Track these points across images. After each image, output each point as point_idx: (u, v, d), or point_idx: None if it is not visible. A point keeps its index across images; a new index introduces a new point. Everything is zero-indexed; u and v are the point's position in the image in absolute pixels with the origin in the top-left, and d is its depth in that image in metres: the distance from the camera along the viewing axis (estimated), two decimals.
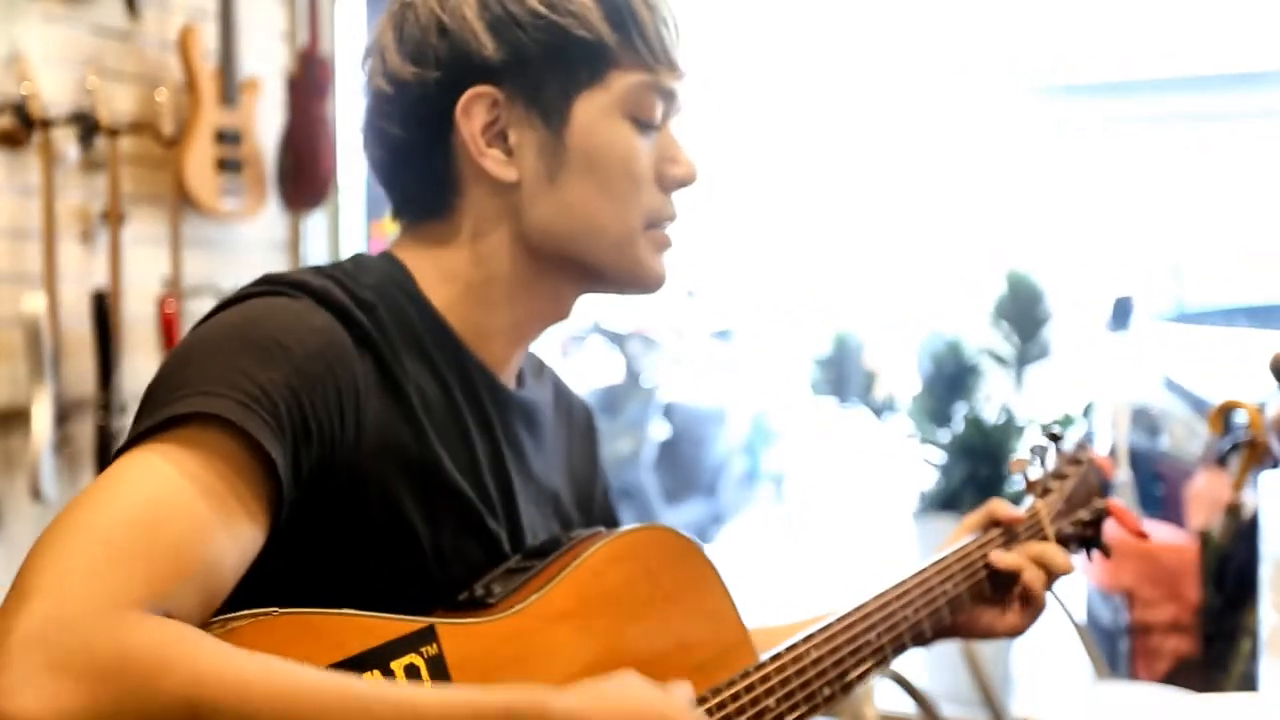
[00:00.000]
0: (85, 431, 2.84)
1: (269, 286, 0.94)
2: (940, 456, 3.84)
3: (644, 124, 1.04)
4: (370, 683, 0.79)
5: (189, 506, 0.78)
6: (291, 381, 0.86)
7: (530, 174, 1.02)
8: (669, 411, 5.99)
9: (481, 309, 1.04)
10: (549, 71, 1.00)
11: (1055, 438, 1.42)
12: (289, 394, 0.85)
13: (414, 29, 1.01)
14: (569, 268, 1.05)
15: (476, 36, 0.99)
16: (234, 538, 0.81)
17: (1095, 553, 1.39)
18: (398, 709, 0.76)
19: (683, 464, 6.07)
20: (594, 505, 1.23)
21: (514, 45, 0.99)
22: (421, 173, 1.03)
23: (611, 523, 1.25)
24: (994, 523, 1.29)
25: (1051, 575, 1.26)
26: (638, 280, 1.07)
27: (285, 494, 0.84)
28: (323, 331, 0.90)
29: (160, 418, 0.81)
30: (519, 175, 1.01)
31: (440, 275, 1.03)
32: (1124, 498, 3.69)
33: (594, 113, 1.01)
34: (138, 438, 0.81)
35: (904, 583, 1.20)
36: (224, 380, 0.83)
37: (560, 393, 1.21)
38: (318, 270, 0.98)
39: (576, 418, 1.23)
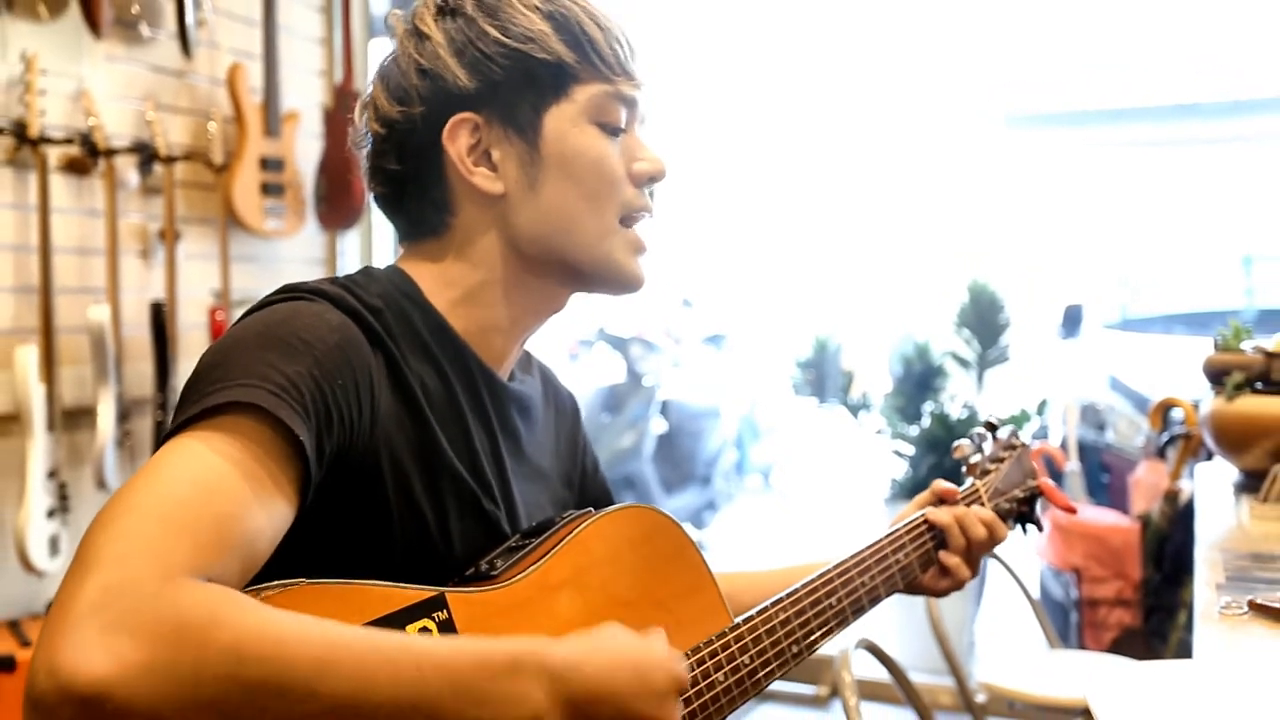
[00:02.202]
0: (144, 427, 2.85)
1: (290, 293, 0.95)
2: (909, 449, 3.85)
3: (609, 128, 1.05)
4: (393, 635, 0.80)
5: (230, 487, 0.78)
6: (314, 373, 0.86)
7: (514, 185, 1.03)
8: (667, 409, 5.99)
9: (481, 309, 1.04)
10: (518, 92, 1.01)
11: (992, 426, 1.44)
12: (313, 384, 0.85)
13: (397, 75, 1.03)
14: (554, 267, 1.06)
15: (451, 71, 1.00)
16: (269, 514, 0.81)
17: (1030, 527, 1.41)
18: (416, 658, 0.76)
19: (679, 456, 6.07)
20: (583, 479, 1.24)
21: (485, 74, 1.00)
22: (420, 198, 1.05)
23: (601, 492, 1.26)
24: (939, 500, 1.31)
25: (972, 541, 1.28)
26: (614, 278, 1.07)
27: (312, 475, 0.85)
28: (340, 329, 0.91)
29: (201, 407, 0.81)
30: (504, 187, 1.02)
31: (442, 282, 1.04)
32: (1073, 485, 3.69)
33: (563, 123, 1.02)
34: (180, 426, 0.81)
35: (860, 553, 1.21)
36: (256, 373, 0.83)
37: (548, 383, 1.22)
38: (332, 280, 0.99)
39: (564, 405, 1.24)
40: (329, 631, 0.75)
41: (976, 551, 1.30)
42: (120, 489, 0.77)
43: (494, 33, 1.00)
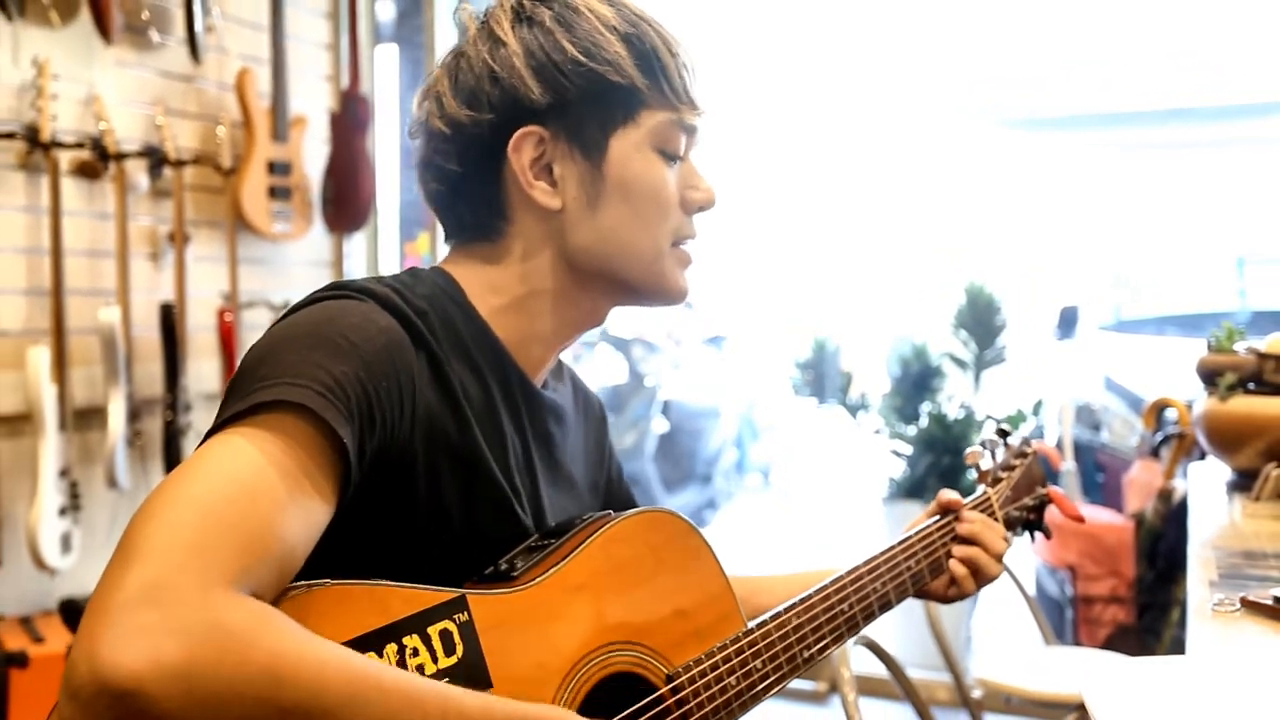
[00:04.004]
0: (154, 427, 2.85)
1: (338, 291, 0.93)
2: (907, 449, 3.85)
3: (670, 155, 1.03)
4: (427, 682, 0.79)
5: (274, 488, 0.78)
6: (361, 374, 0.85)
7: (572, 202, 1.01)
8: (668, 409, 5.99)
9: (525, 318, 1.04)
10: (588, 112, 1.00)
11: (1004, 433, 1.43)
12: (359, 385, 0.85)
13: (468, 77, 1.01)
14: (605, 283, 1.05)
15: (525, 83, 0.98)
16: (309, 516, 0.81)
17: (1038, 534, 1.41)
18: (443, 705, 0.77)
19: (680, 455, 6.08)
20: (609, 485, 1.24)
21: (558, 90, 0.99)
22: (476, 202, 1.04)
23: (625, 499, 1.26)
24: (944, 511, 1.30)
25: (991, 554, 1.29)
26: (664, 293, 1.07)
27: (352, 475, 0.85)
28: (386, 331, 0.90)
29: (248, 404, 0.81)
30: (563, 203, 1.01)
31: (488, 288, 1.03)
32: (1069, 485, 3.69)
33: (628, 148, 1.01)
34: (226, 420, 0.81)
35: (873, 559, 1.21)
36: (303, 372, 0.83)
37: (578, 389, 1.21)
38: (379, 279, 0.99)
39: (592, 410, 1.23)
40: (364, 666, 0.75)
41: (986, 572, 1.29)
42: (164, 481, 0.77)
43: (571, 50, 0.99)
